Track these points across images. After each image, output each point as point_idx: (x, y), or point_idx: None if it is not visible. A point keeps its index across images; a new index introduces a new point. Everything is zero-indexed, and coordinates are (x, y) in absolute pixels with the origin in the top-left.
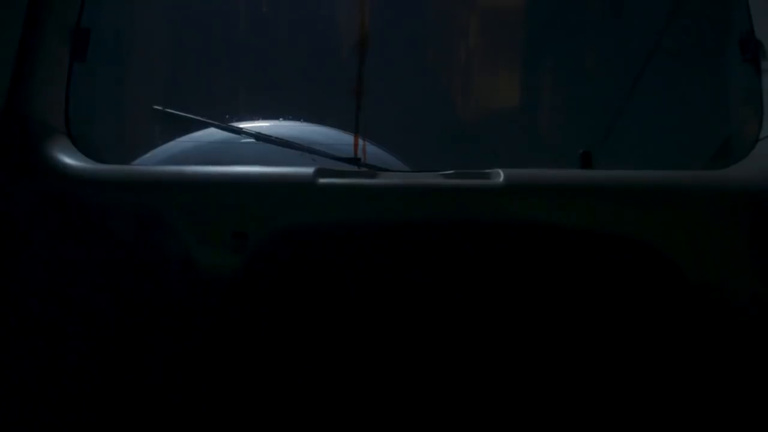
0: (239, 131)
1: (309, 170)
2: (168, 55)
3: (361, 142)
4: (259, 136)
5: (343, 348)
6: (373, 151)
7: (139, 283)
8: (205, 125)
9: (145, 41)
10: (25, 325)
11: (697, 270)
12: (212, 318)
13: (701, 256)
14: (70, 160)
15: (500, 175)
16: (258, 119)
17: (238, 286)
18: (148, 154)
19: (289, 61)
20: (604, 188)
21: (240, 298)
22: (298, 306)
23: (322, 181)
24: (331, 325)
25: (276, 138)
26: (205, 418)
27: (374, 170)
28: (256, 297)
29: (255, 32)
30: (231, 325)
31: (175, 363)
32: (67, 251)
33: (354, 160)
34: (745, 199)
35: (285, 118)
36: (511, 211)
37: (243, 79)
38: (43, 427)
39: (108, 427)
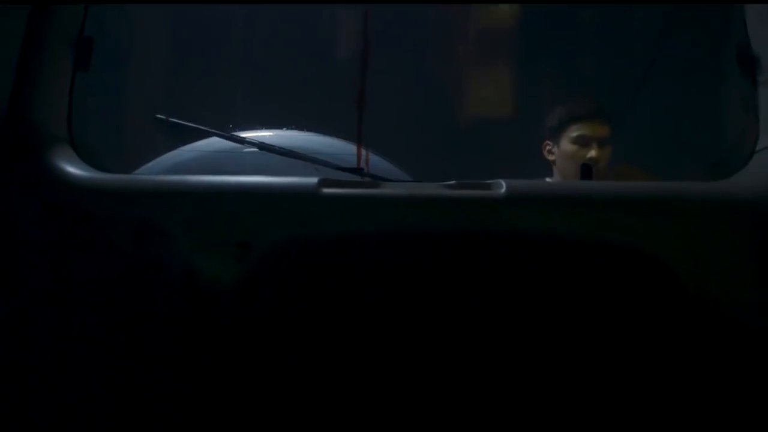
0: (242, 141)
1: (312, 180)
2: (171, 65)
3: (363, 152)
4: (262, 146)
5: (348, 356)
6: (374, 161)
7: (141, 292)
8: (208, 134)
9: (147, 50)
10: (27, 334)
11: (695, 280)
12: (216, 328)
13: (699, 266)
14: (73, 169)
15: (502, 186)
16: (260, 128)
17: (241, 296)
18: (150, 164)
19: (291, 70)
20: (603, 199)
21: (244, 308)
22: (302, 316)
23: (325, 191)
24: (336, 335)
25: (279, 148)
26: (207, 428)
27: (377, 180)
28: (260, 307)
29: (258, 42)
30: (235, 335)
31: (178, 373)
32: (69, 260)
33: (357, 171)
34: (740, 211)
35: (287, 128)
36: (513, 221)
37: (245, 89)
38: None
39: None
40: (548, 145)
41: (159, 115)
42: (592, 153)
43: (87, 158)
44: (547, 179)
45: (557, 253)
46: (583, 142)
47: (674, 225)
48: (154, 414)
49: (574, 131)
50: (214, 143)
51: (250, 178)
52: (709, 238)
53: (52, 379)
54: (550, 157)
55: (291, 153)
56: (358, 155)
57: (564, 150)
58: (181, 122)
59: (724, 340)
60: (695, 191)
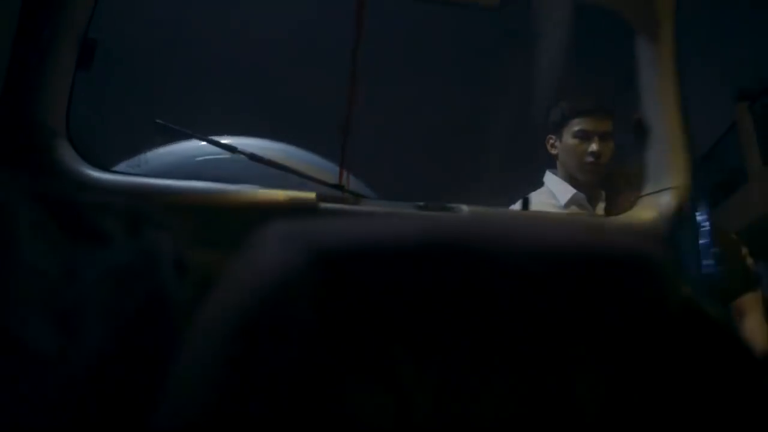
0: (233, 149)
1: (311, 194)
2: (169, 70)
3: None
4: (253, 156)
5: (326, 357)
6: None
7: (134, 287)
8: (204, 141)
9: (144, 53)
10: (22, 332)
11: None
12: (206, 326)
13: (597, 279)
14: (71, 165)
15: (464, 210)
16: (233, 135)
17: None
18: (129, 161)
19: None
20: (537, 226)
21: (237, 311)
22: (292, 321)
23: (323, 205)
24: (316, 336)
25: (267, 159)
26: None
27: (359, 197)
28: (252, 311)
29: (251, 53)
30: (224, 333)
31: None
32: (64, 255)
33: (338, 187)
34: (623, 240)
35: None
36: (471, 240)
37: (232, 97)
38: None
39: None
40: (551, 139)
41: (158, 120)
42: (594, 147)
43: (84, 155)
44: (548, 171)
45: (502, 266)
46: (584, 136)
47: (582, 246)
48: (144, 408)
49: (575, 125)
50: (188, 146)
51: (246, 188)
52: (603, 259)
53: (47, 373)
54: (553, 151)
55: (279, 165)
56: (341, 174)
57: (566, 144)
58: (179, 128)
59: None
60: (600, 225)
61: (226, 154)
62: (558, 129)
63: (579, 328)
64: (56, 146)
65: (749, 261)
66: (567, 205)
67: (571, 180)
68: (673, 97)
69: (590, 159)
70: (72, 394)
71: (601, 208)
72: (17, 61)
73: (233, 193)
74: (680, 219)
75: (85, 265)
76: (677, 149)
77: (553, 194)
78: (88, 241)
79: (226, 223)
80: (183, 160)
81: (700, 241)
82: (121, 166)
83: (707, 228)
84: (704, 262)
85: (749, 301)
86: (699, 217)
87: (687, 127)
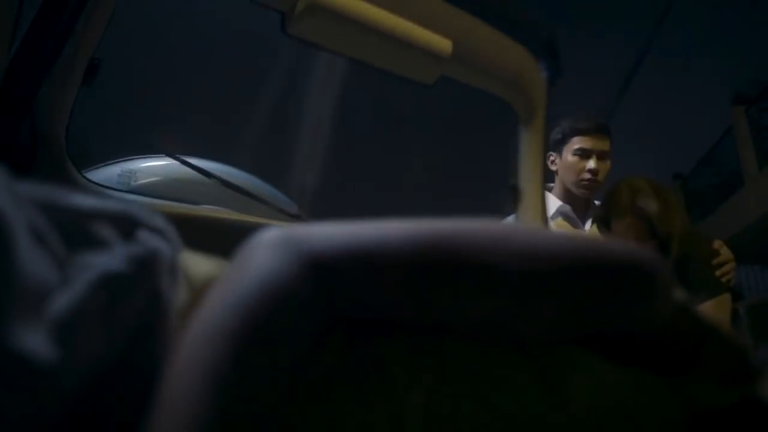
0: (208, 174)
1: (287, 223)
2: (159, 93)
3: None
4: (223, 181)
5: None
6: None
7: (130, 300)
8: (182, 163)
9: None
10: (19, 339)
11: None
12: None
13: None
14: (70, 176)
15: None
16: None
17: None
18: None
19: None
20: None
21: (225, 318)
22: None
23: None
24: None
25: (236, 185)
26: None
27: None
28: (240, 318)
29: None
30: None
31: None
32: (59, 261)
33: (297, 217)
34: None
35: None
36: (463, 245)
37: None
38: None
39: None
40: (551, 156)
41: (149, 141)
42: (591, 165)
43: (79, 167)
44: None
45: (495, 271)
46: (583, 154)
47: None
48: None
49: (575, 143)
50: (149, 162)
51: (226, 210)
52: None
53: (49, 383)
54: (553, 168)
55: (245, 191)
56: (300, 205)
57: (565, 161)
58: (164, 148)
59: None
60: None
61: (189, 176)
62: (558, 146)
63: (576, 335)
64: (55, 157)
65: (728, 267)
66: (554, 216)
67: (567, 194)
68: (539, 171)
69: (587, 176)
70: (67, 405)
71: (588, 223)
72: (21, 69)
73: (219, 216)
74: None
75: (81, 271)
76: (537, 208)
77: None
78: (83, 248)
79: (211, 245)
80: (159, 177)
81: None
82: (110, 173)
83: None
84: None
85: (709, 306)
86: None
87: (543, 193)
